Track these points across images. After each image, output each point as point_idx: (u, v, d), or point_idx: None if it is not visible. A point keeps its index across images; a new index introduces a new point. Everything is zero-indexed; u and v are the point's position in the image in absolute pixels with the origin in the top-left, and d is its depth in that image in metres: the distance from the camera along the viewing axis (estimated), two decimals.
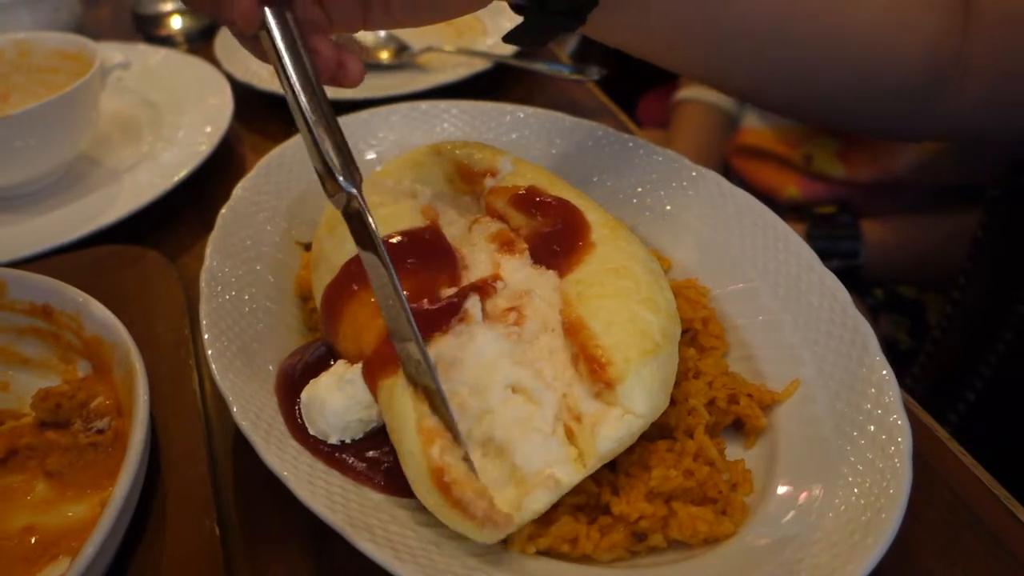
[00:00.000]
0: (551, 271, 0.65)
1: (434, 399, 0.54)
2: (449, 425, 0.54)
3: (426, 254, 0.66)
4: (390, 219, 0.68)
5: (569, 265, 0.65)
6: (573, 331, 0.59)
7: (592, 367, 0.56)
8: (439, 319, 0.59)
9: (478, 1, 0.64)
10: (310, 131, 0.55)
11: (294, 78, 0.55)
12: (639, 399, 0.56)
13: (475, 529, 0.51)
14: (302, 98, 0.55)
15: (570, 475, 0.54)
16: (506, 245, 0.68)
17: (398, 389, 0.56)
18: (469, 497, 0.51)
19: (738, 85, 0.91)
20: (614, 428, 0.55)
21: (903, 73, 0.82)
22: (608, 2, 0.69)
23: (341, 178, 0.56)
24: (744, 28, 0.78)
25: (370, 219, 0.56)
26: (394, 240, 0.66)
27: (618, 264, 0.63)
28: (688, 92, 1.57)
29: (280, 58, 0.55)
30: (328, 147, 0.56)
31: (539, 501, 0.53)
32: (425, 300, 0.61)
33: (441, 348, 0.58)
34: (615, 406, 0.55)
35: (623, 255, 0.65)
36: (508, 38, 0.73)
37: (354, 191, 0.56)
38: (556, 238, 0.67)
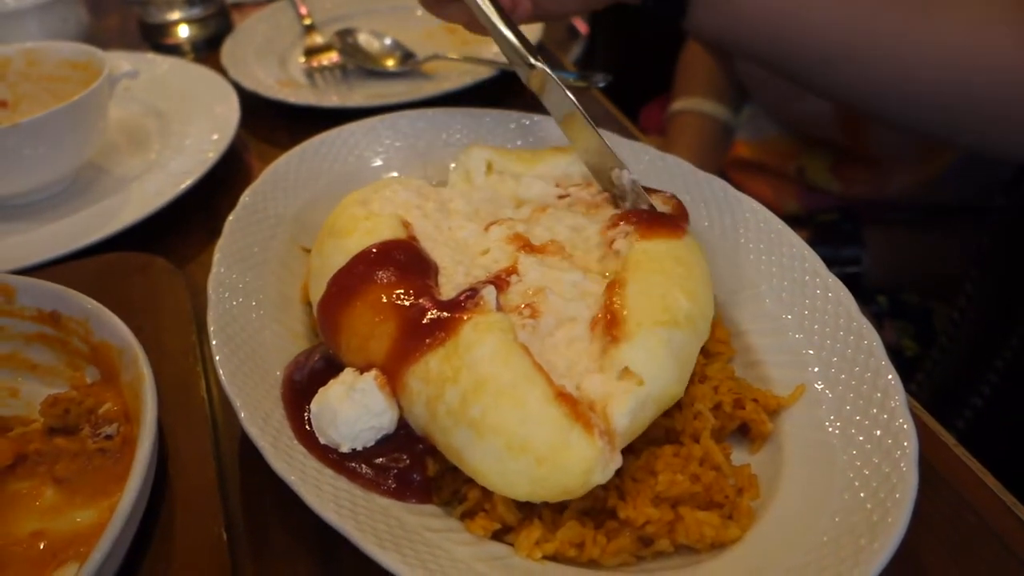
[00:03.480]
0: (571, 270, 0.67)
1: None
2: None
3: (402, 264, 0.66)
4: (372, 231, 0.69)
5: (657, 231, 0.69)
6: (610, 288, 0.62)
7: (607, 320, 0.60)
8: (456, 305, 0.60)
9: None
10: (505, 38, 0.79)
11: (492, 11, 0.79)
12: (641, 362, 0.58)
13: (592, 446, 0.54)
14: (496, 20, 0.79)
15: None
16: (524, 248, 0.69)
17: (490, 336, 0.57)
18: (590, 412, 0.55)
19: (830, 91, 0.96)
20: (623, 403, 0.56)
21: (998, 76, 0.83)
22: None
23: (531, 59, 0.78)
24: (830, 25, 0.85)
25: (559, 83, 0.78)
26: (373, 251, 0.66)
27: (686, 258, 0.67)
28: (684, 103, 1.57)
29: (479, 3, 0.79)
30: (518, 45, 0.79)
31: (623, 404, 0.56)
32: (425, 298, 0.62)
33: (461, 335, 0.58)
34: (615, 366, 0.58)
35: (695, 256, 0.69)
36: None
37: (540, 66, 0.78)
38: (665, 216, 0.72)
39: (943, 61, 0.84)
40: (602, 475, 0.54)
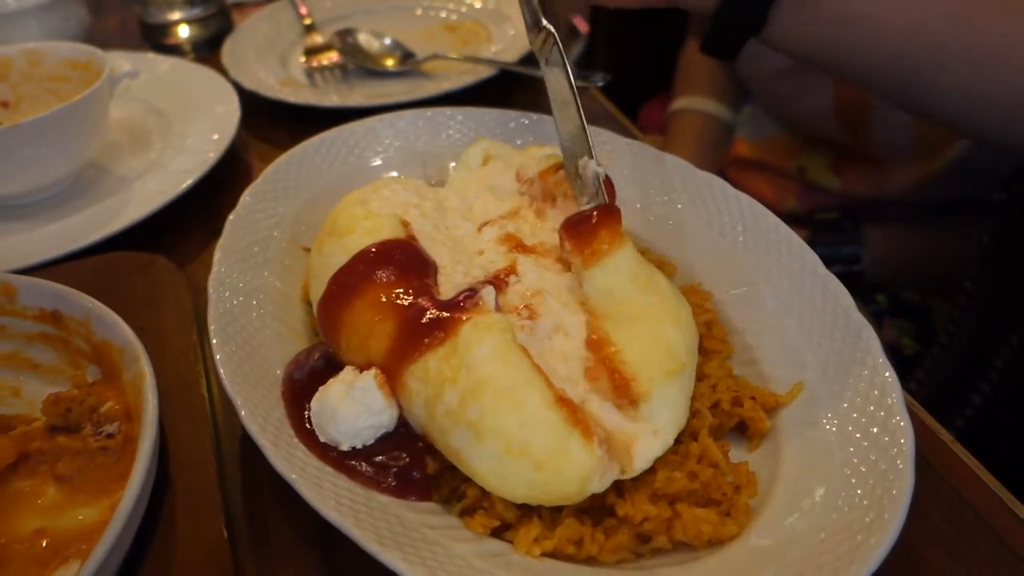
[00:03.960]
0: (566, 273, 0.67)
1: None
2: None
3: (401, 263, 0.66)
4: (371, 230, 0.69)
5: (596, 250, 0.64)
6: (598, 346, 0.61)
7: (617, 382, 0.59)
8: (455, 305, 0.61)
9: None
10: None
11: None
12: (663, 417, 0.58)
13: (591, 455, 0.54)
14: None
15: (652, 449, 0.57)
16: (517, 248, 0.70)
17: (489, 336, 0.58)
18: (590, 420, 0.55)
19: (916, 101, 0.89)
20: (650, 449, 0.57)
21: None
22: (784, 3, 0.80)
23: (542, 20, 0.77)
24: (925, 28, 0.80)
25: (560, 48, 0.75)
26: (372, 250, 0.66)
27: (643, 275, 0.65)
28: (684, 102, 1.57)
29: None
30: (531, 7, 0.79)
31: (650, 451, 0.57)
32: (425, 297, 0.62)
33: (460, 335, 0.58)
34: (639, 422, 0.57)
35: (645, 267, 0.66)
36: (704, 49, 0.90)
37: (548, 28, 0.77)
38: (591, 219, 0.66)
39: None
40: (599, 484, 0.55)
